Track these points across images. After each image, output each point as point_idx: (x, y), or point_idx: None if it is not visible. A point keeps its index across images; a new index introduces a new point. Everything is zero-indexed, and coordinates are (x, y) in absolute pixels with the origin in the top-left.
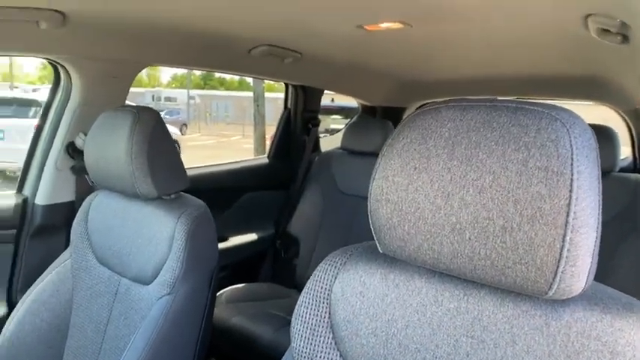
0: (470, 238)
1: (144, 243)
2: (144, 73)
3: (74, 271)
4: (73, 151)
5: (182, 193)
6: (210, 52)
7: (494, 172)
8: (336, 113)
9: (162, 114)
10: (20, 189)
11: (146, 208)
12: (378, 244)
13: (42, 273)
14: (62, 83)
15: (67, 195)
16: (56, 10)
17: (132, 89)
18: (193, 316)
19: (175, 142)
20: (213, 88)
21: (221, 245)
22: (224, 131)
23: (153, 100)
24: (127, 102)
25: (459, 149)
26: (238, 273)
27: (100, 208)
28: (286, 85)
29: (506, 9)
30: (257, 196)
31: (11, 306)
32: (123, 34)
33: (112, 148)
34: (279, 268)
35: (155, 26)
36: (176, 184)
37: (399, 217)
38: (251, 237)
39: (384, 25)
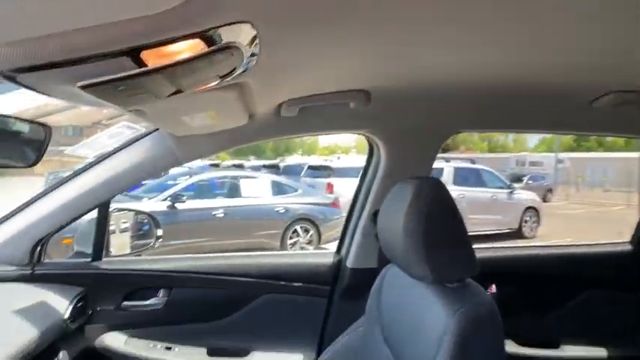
0: None
1: (417, 333)
2: (510, 138)
3: (364, 341)
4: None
5: (471, 281)
6: (532, 112)
7: None
8: None
9: (525, 179)
10: (338, 250)
11: (426, 292)
12: None
13: (346, 329)
14: (374, 154)
15: (371, 261)
16: (362, 90)
17: (496, 154)
18: None
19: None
20: (589, 149)
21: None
22: (600, 199)
23: (516, 165)
24: (485, 168)
25: None
26: None
27: (391, 282)
28: None
29: None
30: (603, 297)
31: (319, 352)
32: (427, 103)
33: (394, 221)
34: None
35: (463, 91)
36: (459, 269)
37: None
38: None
39: None
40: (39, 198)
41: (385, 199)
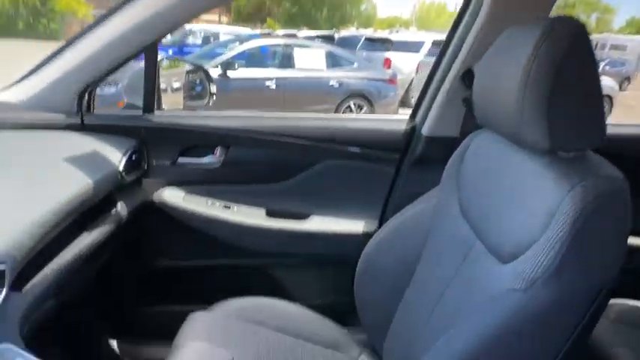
0: None
1: (514, 208)
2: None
3: (435, 213)
4: (469, 79)
5: (592, 153)
6: None
7: None
8: None
9: (601, 64)
10: (413, 116)
11: (531, 164)
12: None
13: (413, 201)
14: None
15: (452, 129)
16: None
17: None
18: (553, 338)
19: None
20: None
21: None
22: None
23: (595, 48)
24: None
25: None
26: None
27: (478, 151)
28: None
29: None
30: None
31: (381, 222)
32: None
33: (504, 75)
34: None
35: None
36: (584, 137)
37: None
38: None
39: None
40: (82, 36)
41: (489, 51)
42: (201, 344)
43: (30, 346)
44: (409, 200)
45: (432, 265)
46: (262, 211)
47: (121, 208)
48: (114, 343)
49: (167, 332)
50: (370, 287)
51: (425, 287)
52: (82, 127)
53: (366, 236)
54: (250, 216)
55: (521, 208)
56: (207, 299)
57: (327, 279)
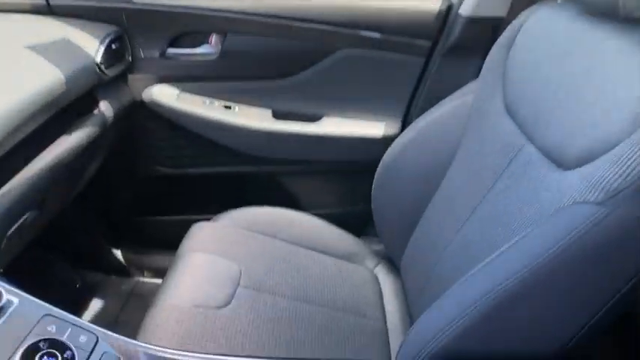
0: None
1: (586, 100)
2: None
3: (473, 109)
4: None
5: None
6: None
7: None
8: None
9: None
10: None
11: (618, 41)
12: None
13: (444, 98)
14: None
15: (499, 8)
16: None
17: None
18: (619, 272)
19: None
20: None
21: None
22: None
23: None
24: None
25: None
26: None
27: (534, 32)
28: None
29: None
30: None
31: (405, 125)
32: None
33: None
34: None
35: None
36: None
37: None
38: None
39: None
40: None
41: None
42: (206, 256)
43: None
44: (439, 97)
45: (465, 174)
46: (268, 112)
47: (104, 108)
48: (118, 253)
49: (171, 242)
50: (389, 197)
51: (453, 200)
52: (49, 11)
53: (387, 140)
54: (254, 118)
55: (598, 100)
56: (210, 209)
57: (341, 188)
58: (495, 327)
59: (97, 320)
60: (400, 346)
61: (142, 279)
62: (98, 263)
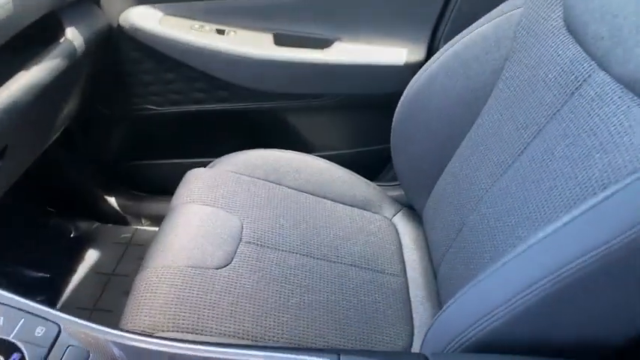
0: None
1: None
2: None
3: (521, 29)
4: None
5: None
6: None
7: None
8: None
9: None
10: None
11: None
12: None
13: (480, 17)
14: None
15: None
16: None
17: None
18: None
19: None
20: None
21: None
22: None
23: None
24: None
25: None
26: None
27: None
28: None
29: None
30: None
31: (431, 51)
32: None
33: None
34: None
35: None
36: None
37: None
38: None
39: None
40: None
41: None
42: (202, 208)
43: None
44: (473, 16)
45: (508, 111)
46: (269, 37)
47: (72, 35)
48: (112, 201)
49: (167, 188)
50: (411, 136)
51: (491, 141)
52: None
53: (410, 69)
54: (253, 43)
55: None
56: (207, 152)
57: (355, 126)
58: (558, 314)
59: (94, 272)
60: (428, 330)
61: (140, 227)
62: (93, 212)
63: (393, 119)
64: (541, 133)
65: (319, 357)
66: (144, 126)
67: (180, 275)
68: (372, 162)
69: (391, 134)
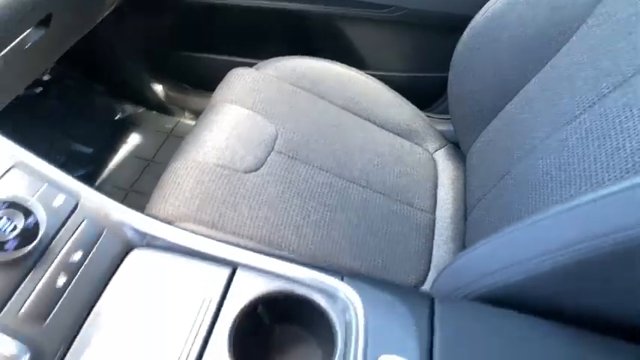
0: None
1: None
2: None
3: None
4: None
5: None
6: None
7: None
8: None
9: None
10: None
11: None
12: None
13: None
14: None
15: None
16: None
17: None
18: None
19: None
20: None
21: None
22: None
23: None
24: None
25: None
26: None
27: None
28: None
29: None
30: None
31: None
32: None
33: None
34: None
35: None
36: None
37: None
38: None
39: None
40: None
41: None
42: (240, 109)
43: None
44: None
45: (591, 52)
46: None
47: None
48: (159, 89)
49: (211, 84)
50: (474, 68)
51: (561, 88)
52: None
53: None
54: None
55: None
56: (253, 52)
57: (416, 47)
58: (585, 282)
59: (134, 155)
60: (443, 270)
61: (182, 119)
62: (140, 97)
63: (458, 45)
64: (623, 86)
65: (324, 274)
66: (195, 17)
67: (208, 172)
68: (425, 90)
69: (452, 61)
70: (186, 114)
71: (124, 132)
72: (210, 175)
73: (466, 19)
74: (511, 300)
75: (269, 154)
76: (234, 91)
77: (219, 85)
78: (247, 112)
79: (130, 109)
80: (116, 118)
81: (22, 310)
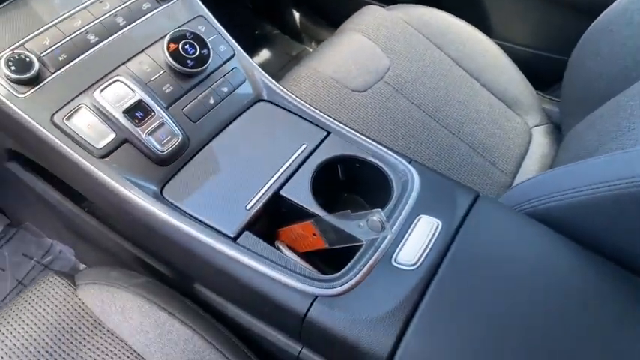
0: None
1: None
2: None
3: None
4: None
5: None
6: None
7: None
8: None
9: None
10: None
11: None
12: None
13: None
14: None
15: None
16: None
17: None
18: None
19: None
20: None
21: None
22: None
23: None
24: None
25: None
26: None
27: None
28: None
29: None
30: None
31: None
32: None
33: None
34: None
35: None
36: None
37: None
38: None
39: None
40: None
41: None
42: (364, 39)
43: None
44: None
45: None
46: None
47: None
48: (297, 15)
49: (343, 19)
50: (598, 53)
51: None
52: None
53: None
54: None
55: None
56: None
57: (547, 25)
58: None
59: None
60: (511, 188)
61: (309, 48)
62: (277, 20)
63: (591, 25)
64: None
65: (394, 156)
66: None
67: (322, 80)
68: (544, 70)
69: (580, 41)
70: (313, 44)
71: (257, 48)
72: (323, 83)
73: (603, 5)
74: (561, 224)
75: (377, 82)
76: (363, 23)
77: (351, 17)
78: (369, 43)
79: (267, 28)
80: (255, 32)
81: (185, 108)
